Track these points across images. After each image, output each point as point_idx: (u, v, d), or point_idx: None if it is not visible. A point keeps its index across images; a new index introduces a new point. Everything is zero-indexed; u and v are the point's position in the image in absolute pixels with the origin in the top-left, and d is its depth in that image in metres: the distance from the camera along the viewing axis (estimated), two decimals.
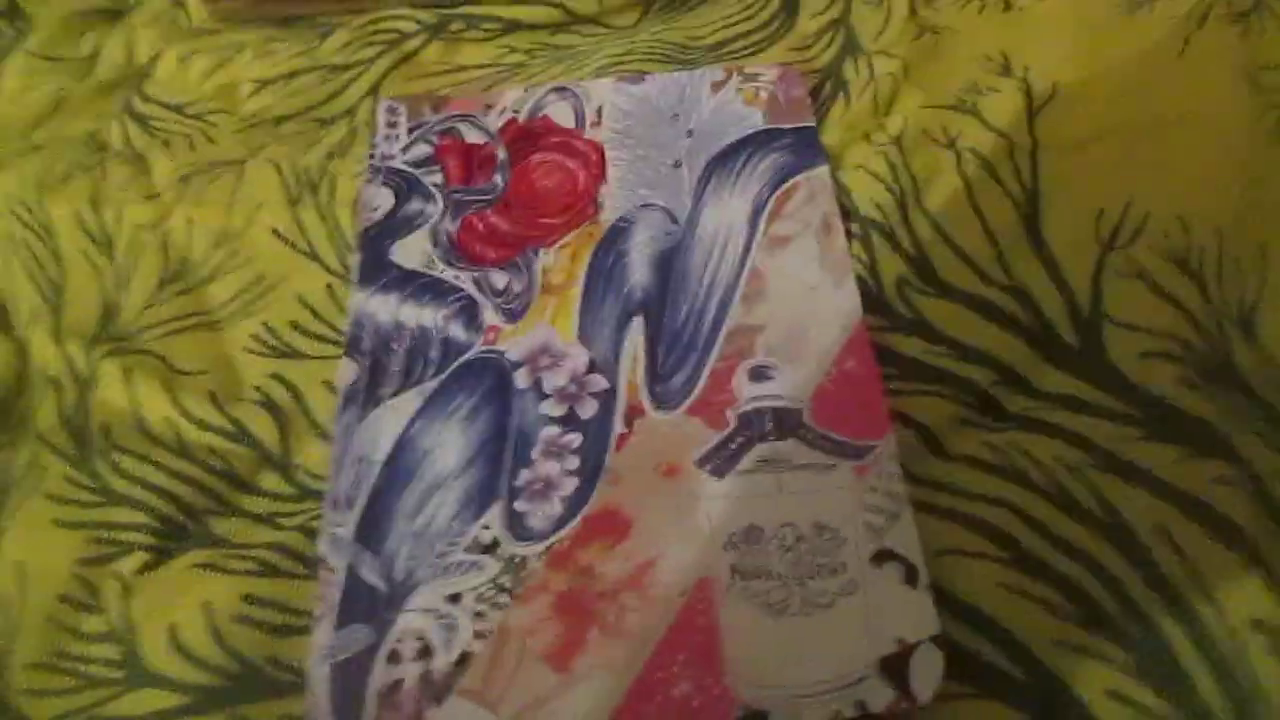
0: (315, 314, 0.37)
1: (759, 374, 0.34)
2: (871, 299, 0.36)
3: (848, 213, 0.38)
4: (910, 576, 0.30)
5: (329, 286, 0.38)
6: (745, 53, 0.45)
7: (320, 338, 0.37)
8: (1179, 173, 0.37)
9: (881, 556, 0.30)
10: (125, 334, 0.37)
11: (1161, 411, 0.32)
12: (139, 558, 0.32)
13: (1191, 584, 0.29)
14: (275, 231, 0.39)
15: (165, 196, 0.41)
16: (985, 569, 0.30)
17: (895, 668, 0.28)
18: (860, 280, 0.36)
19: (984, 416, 0.34)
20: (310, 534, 0.32)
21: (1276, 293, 0.34)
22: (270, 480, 0.34)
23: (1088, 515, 0.31)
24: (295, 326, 0.37)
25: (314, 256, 0.39)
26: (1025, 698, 0.28)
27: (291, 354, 0.36)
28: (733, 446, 0.32)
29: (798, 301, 0.35)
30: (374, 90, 0.45)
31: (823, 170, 0.39)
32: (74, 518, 0.33)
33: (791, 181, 0.38)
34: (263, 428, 0.34)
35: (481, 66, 0.47)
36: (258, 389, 0.35)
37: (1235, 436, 0.32)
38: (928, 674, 0.28)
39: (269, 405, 0.35)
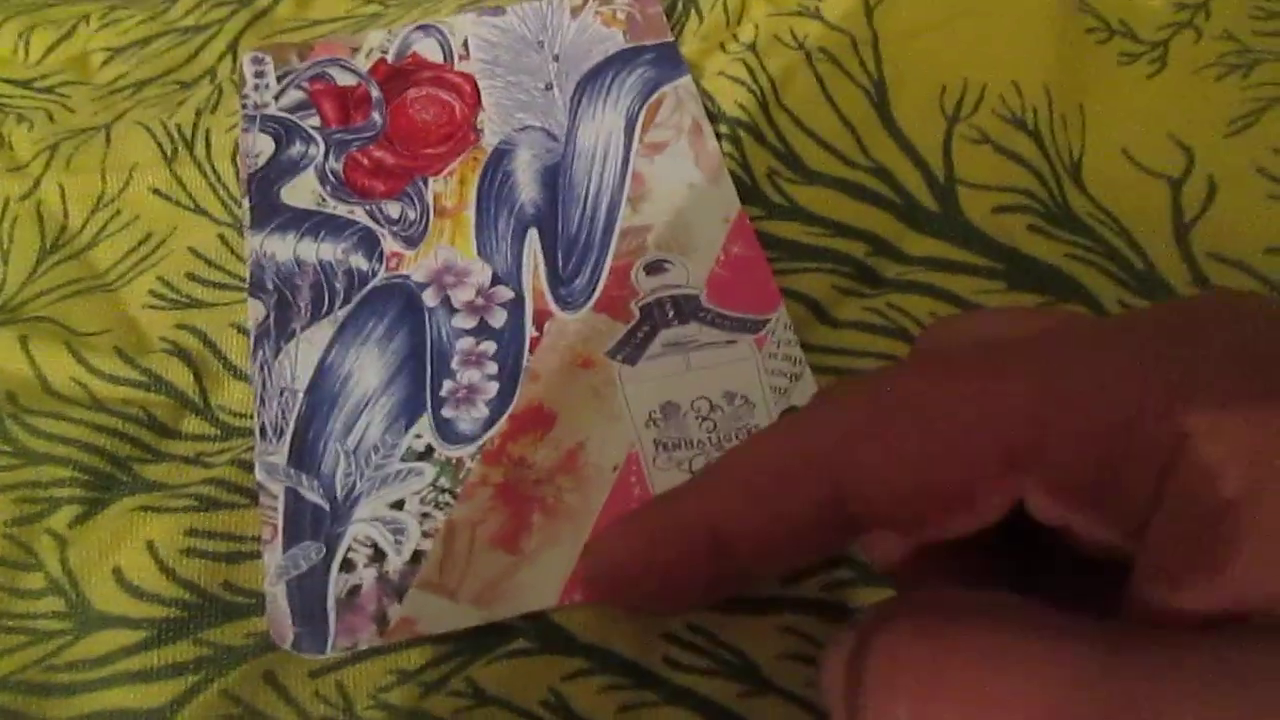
0: (211, 264, 0.37)
1: (654, 267, 0.36)
2: (747, 191, 0.39)
3: (714, 116, 0.40)
4: None
5: (221, 236, 0.38)
6: None
7: (220, 285, 0.37)
8: (1005, 46, 0.41)
9: (789, 412, 0.33)
10: (12, 306, 0.37)
11: (1020, 263, 0.36)
12: (70, 510, 0.32)
13: None
14: (155, 190, 0.39)
15: (32, 167, 0.40)
16: None
17: None
18: (734, 175, 0.39)
19: (863, 285, 0.37)
20: (244, 466, 0.32)
21: (1095, 142, 0.39)
22: (193, 424, 0.34)
23: None
24: (193, 277, 0.37)
25: (199, 210, 0.39)
26: None
27: (194, 304, 0.36)
28: (640, 335, 0.35)
29: (680, 200, 0.38)
30: (231, 49, 0.45)
31: (686, 79, 0.41)
32: None
33: (659, 92, 0.41)
34: (177, 375, 0.34)
35: (336, 20, 0.47)
36: (165, 339, 0.35)
37: (1084, 277, 0.36)
38: None
39: (180, 353, 0.35)
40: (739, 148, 0.40)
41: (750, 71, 0.41)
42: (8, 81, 0.44)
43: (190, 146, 0.40)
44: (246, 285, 0.36)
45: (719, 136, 0.40)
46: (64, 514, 0.32)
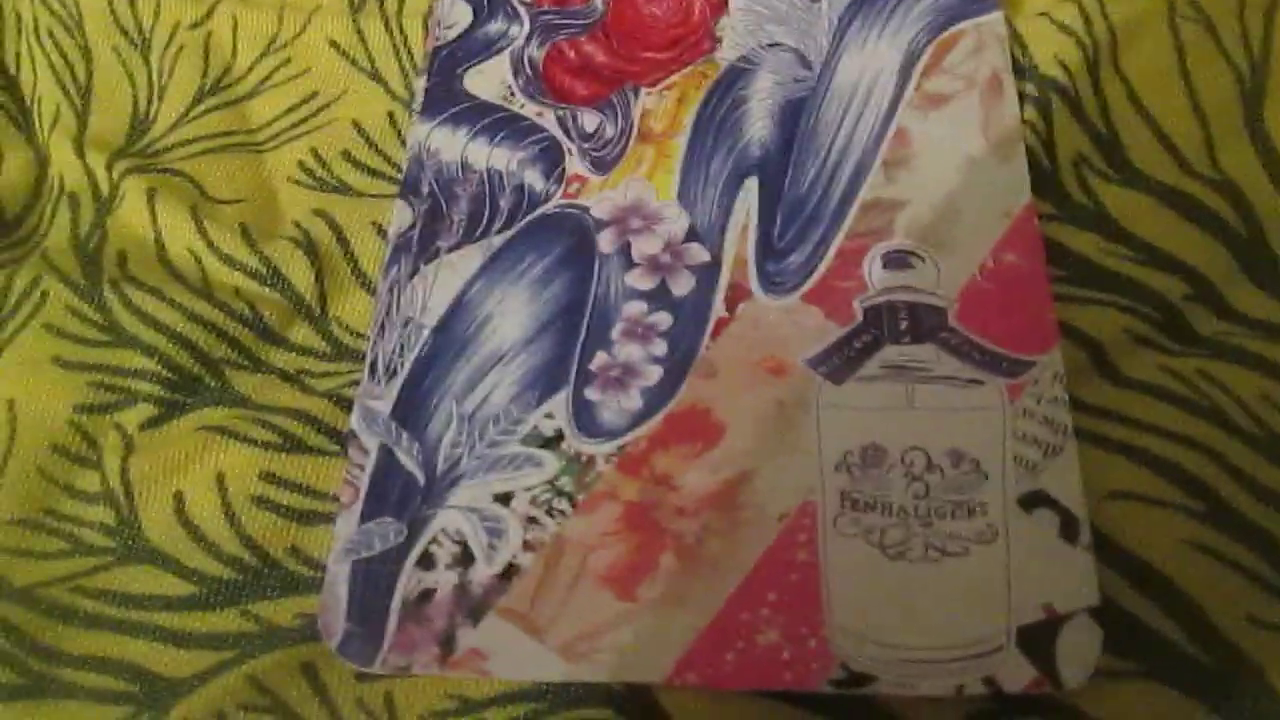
0: (371, 145, 0.32)
1: (897, 260, 0.27)
2: (1042, 179, 0.29)
3: (1022, 70, 0.31)
4: (1068, 529, 0.24)
5: (390, 115, 0.32)
6: None
7: (375, 172, 0.31)
8: None
9: (1033, 500, 0.24)
10: (154, 150, 0.32)
11: None
12: (145, 410, 0.27)
13: None
14: (333, 43, 0.33)
15: None
16: (1167, 520, 0.24)
17: (1039, 641, 0.23)
18: (1031, 154, 0.29)
19: (1167, 337, 0.27)
20: (342, 403, 0.27)
21: None
22: (301, 333, 0.29)
23: None
24: (348, 157, 0.32)
25: (375, 76, 0.33)
26: (1204, 684, 0.23)
27: (341, 189, 0.31)
28: (856, 345, 0.26)
29: (951, 175, 0.29)
30: None
31: (996, 16, 0.31)
32: (75, 356, 0.28)
33: (955, 28, 0.31)
34: (298, 271, 0.29)
35: None
36: (297, 225, 0.30)
37: None
38: (1080, 655, 0.23)
39: (307, 245, 0.29)
40: (1046, 119, 0.30)
41: (1085, 16, 0.31)
42: None
43: None
44: (400, 179, 0.30)
45: (1022, 99, 0.30)
46: (137, 411, 0.27)
